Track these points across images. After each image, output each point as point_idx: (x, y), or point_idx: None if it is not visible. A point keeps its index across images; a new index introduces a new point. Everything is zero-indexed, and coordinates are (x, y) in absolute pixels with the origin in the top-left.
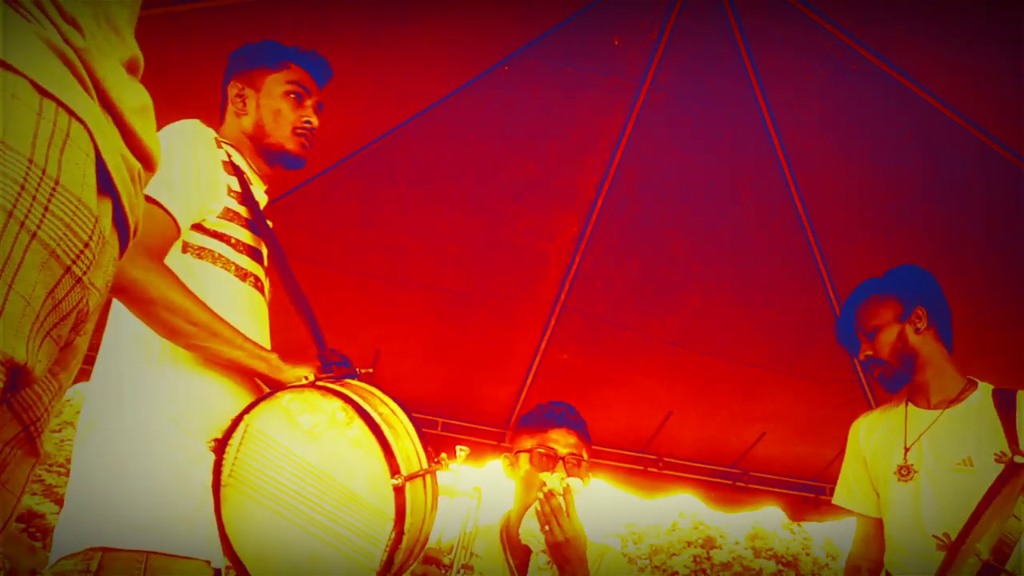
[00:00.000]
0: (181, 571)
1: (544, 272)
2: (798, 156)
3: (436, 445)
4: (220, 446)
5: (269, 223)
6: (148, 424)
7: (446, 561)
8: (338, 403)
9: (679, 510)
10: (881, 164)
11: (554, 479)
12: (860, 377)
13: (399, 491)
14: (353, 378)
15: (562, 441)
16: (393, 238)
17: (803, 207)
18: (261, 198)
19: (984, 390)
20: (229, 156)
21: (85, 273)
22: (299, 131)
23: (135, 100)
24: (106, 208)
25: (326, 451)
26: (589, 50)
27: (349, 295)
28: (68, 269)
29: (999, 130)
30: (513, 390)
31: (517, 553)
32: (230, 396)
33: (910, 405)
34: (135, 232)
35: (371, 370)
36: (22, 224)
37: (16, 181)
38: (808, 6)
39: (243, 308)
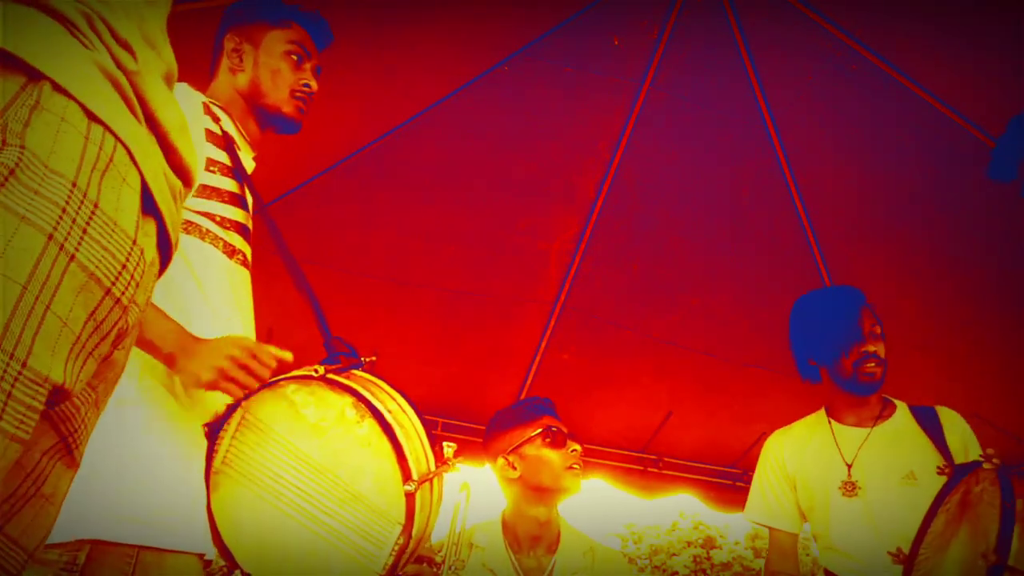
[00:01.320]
0: (173, 566)
1: (544, 272)
2: (798, 156)
3: (436, 445)
4: (212, 431)
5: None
6: (142, 414)
7: (438, 559)
8: (349, 400)
9: (679, 510)
10: (881, 164)
11: None
12: None
13: (411, 496)
14: (359, 368)
15: (558, 425)
16: (393, 238)
17: (803, 207)
18: (249, 164)
19: (902, 408)
20: (218, 121)
21: (123, 293)
22: (297, 94)
23: (177, 118)
24: (150, 229)
25: (331, 447)
26: (589, 50)
27: (349, 295)
28: (108, 291)
29: (999, 130)
30: (513, 390)
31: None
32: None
33: (834, 423)
34: (175, 246)
35: (374, 358)
36: (61, 247)
37: (58, 204)
38: (808, 6)
39: (231, 287)
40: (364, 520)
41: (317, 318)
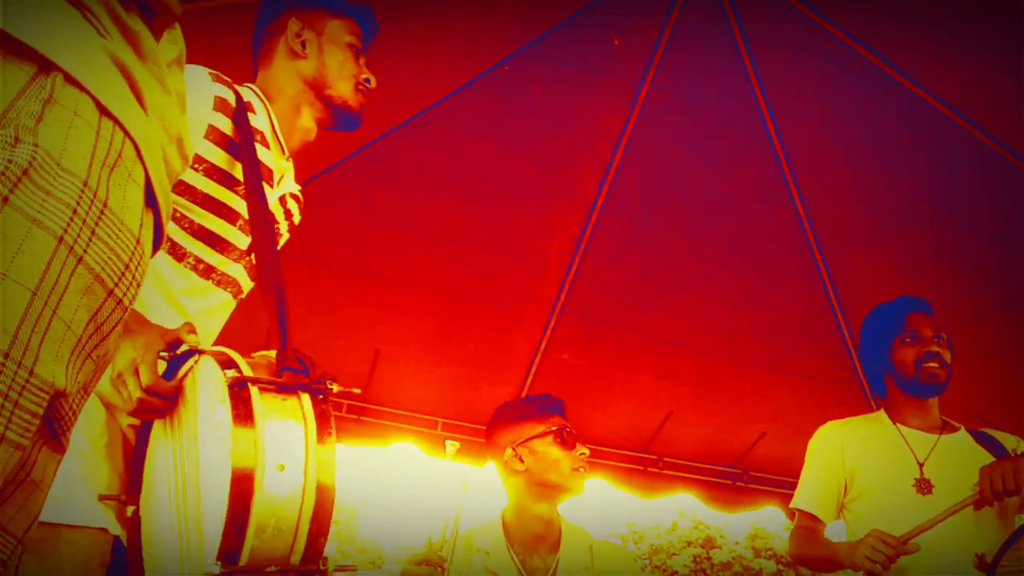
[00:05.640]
0: (70, 542)
1: (544, 272)
2: (798, 156)
3: (436, 445)
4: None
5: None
6: None
7: (446, 560)
8: (230, 426)
9: (679, 510)
10: (881, 164)
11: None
12: (860, 377)
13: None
14: (309, 391)
15: (569, 426)
16: (393, 238)
17: (803, 207)
18: (279, 167)
19: (963, 429)
20: (248, 111)
21: (125, 294)
22: (360, 87)
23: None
24: (149, 222)
25: (210, 461)
26: (589, 50)
27: (349, 295)
28: (111, 292)
29: (999, 130)
30: (513, 390)
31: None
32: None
33: (899, 425)
34: (165, 228)
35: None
36: (71, 249)
37: (69, 205)
38: (808, 6)
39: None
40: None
41: (278, 322)
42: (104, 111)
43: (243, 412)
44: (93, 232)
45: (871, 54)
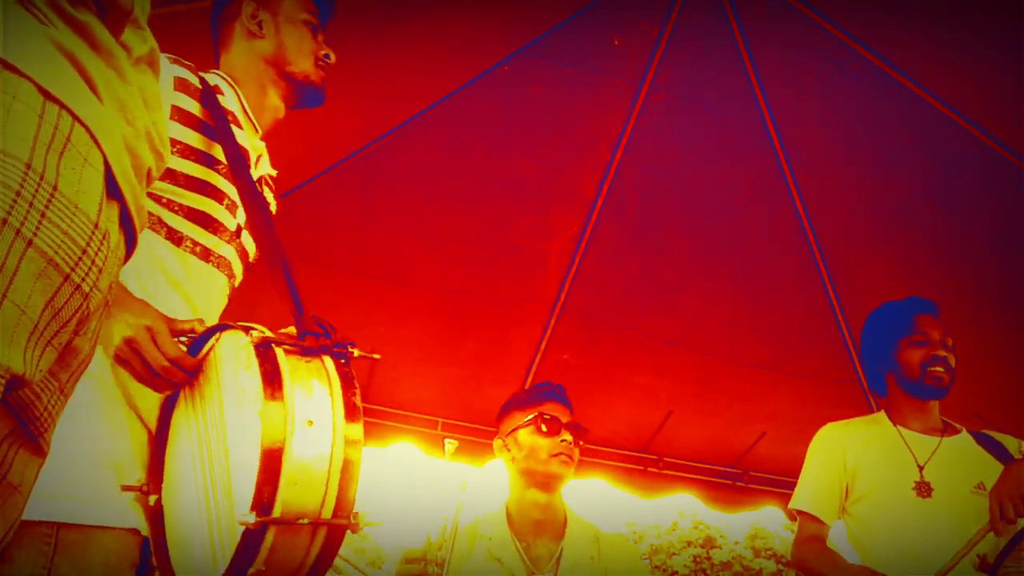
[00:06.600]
0: (100, 544)
1: (544, 272)
2: (798, 156)
3: (436, 445)
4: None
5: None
6: None
7: (440, 557)
8: (258, 385)
9: (679, 510)
10: (881, 164)
11: None
12: (860, 377)
13: (250, 532)
14: (331, 354)
15: (559, 412)
16: (393, 238)
17: (803, 207)
18: (252, 146)
19: (964, 431)
20: (215, 93)
21: (84, 280)
22: (319, 63)
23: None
24: (114, 213)
25: (238, 427)
26: (589, 50)
27: (349, 295)
28: (67, 277)
29: (999, 130)
30: (513, 390)
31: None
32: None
33: (900, 427)
34: (140, 230)
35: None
36: (17, 232)
37: (11, 188)
38: (808, 6)
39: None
40: (224, 536)
41: (290, 293)
42: (48, 96)
43: (270, 370)
44: (43, 215)
45: (871, 54)
